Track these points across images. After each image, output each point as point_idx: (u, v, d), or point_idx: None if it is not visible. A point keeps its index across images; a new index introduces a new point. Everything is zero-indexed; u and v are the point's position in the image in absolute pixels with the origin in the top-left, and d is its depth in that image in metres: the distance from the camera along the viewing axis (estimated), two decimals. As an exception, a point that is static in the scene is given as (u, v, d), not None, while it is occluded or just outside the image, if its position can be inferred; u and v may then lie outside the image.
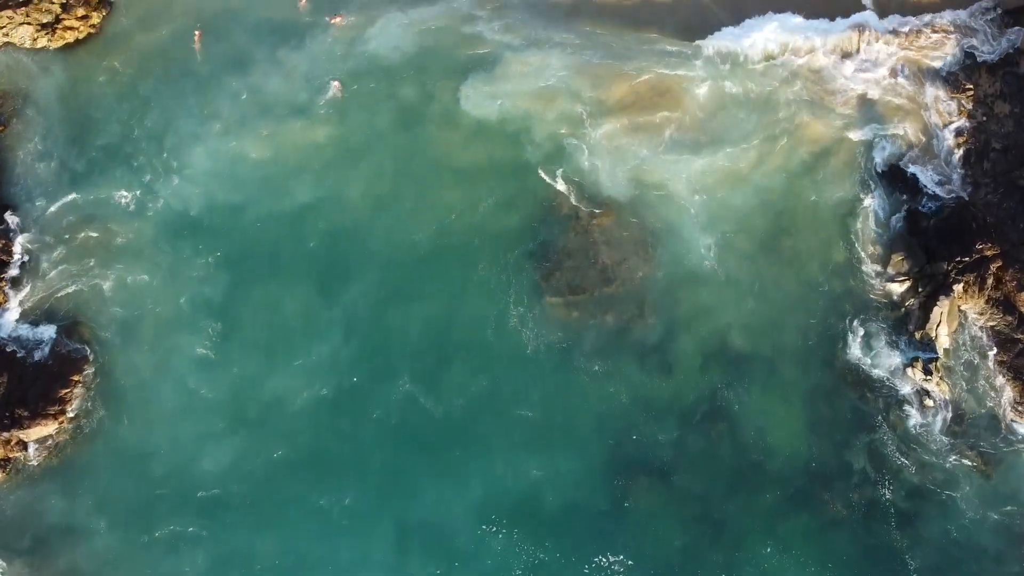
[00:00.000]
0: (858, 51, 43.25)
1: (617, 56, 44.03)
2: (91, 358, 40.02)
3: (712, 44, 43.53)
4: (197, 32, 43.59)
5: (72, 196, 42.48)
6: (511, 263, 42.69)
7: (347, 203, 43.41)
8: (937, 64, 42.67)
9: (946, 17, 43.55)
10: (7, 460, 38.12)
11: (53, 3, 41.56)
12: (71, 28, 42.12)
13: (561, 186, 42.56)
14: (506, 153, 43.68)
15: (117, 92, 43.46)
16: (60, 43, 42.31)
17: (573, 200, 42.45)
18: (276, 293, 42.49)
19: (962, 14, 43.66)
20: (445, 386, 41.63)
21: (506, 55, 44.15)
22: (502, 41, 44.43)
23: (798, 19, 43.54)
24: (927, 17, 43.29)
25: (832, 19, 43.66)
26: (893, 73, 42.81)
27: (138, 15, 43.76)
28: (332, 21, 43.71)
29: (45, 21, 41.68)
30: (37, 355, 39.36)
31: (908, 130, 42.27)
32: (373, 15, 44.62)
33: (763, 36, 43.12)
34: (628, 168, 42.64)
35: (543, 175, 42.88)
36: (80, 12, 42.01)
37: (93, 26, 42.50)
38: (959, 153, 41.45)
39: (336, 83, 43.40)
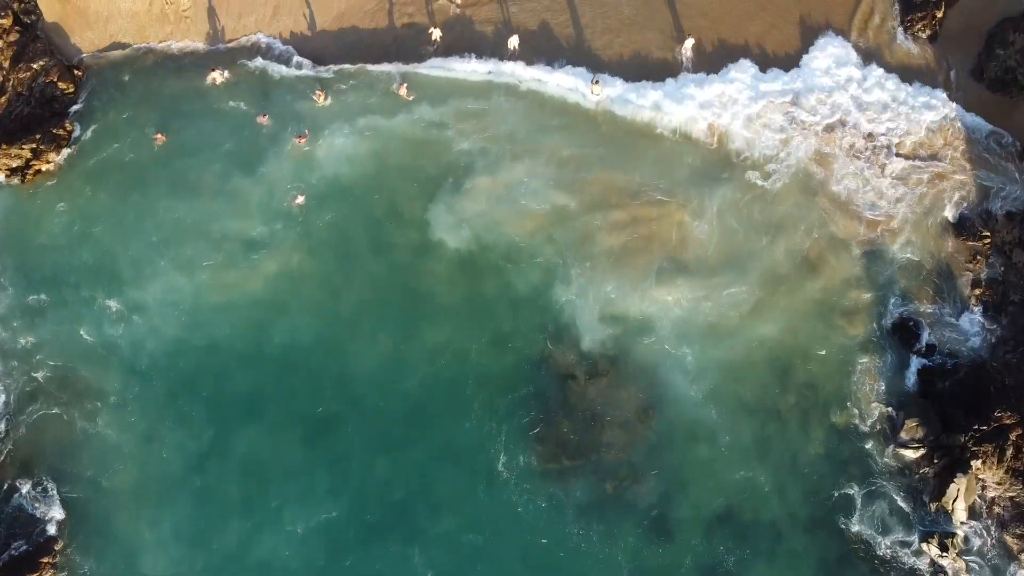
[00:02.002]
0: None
1: (608, 166, 42.00)
2: (61, 529, 37.74)
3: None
4: (159, 136, 41.70)
5: (31, 338, 40.42)
6: (504, 413, 40.56)
7: (326, 343, 41.14)
8: (950, 211, 40.57)
9: (958, 152, 41.60)
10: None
11: (23, 149, 39.61)
12: (42, 171, 40.13)
13: (552, 342, 40.54)
14: (492, 287, 41.47)
15: (77, 228, 41.32)
16: (31, 186, 40.32)
17: (566, 357, 40.36)
18: (255, 446, 40.26)
19: (977, 147, 41.73)
20: (436, 545, 39.47)
21: (477, 167, 42.05)
22: (471, 150, 42.30)
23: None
24: (940, 164, 41.33)
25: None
26: (905, 219, 40.82)
27: (102, 152, 41.84)
28: (297, 140, 41.52)
29: (15, 166, 39.81)
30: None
31: (921, 280, 40.13)
32: (335, 131, 42.42)
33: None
34: (621, 317, 40.64)
35: (533, 328, 40.92)
36: (51, 156, 40.06)
37: (59, 165, 40.54)
38: (975, 306, 39.31)
39: (301, 197, 41.32)
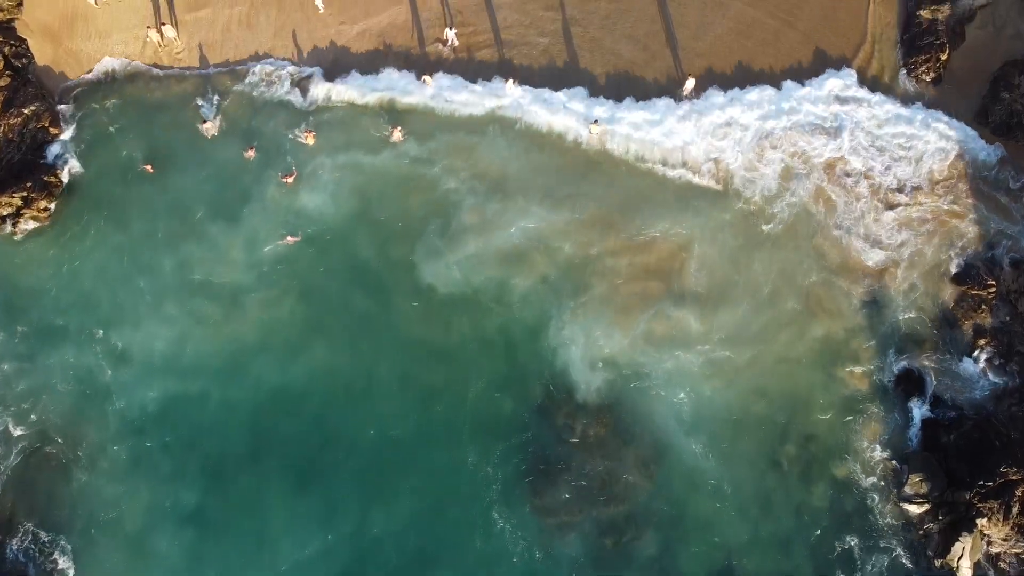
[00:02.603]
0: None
1: (605, 205, 41.27)
2: (50, 585, 37.25)
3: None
4: (147, 167, 41.05)
5: (18, 385, 39.81)
6: (500, 461, 39.95)
7: (318, 388, 40.39)
8: (954, 258, 39.93)
9: (962, 196, 40.96)
10: None
11: (14, 197, 39.01)
12: (32, 220, 39.57)
13: (548, 387, 39.94)
14: (486, 330, 40.69)
15: (65, 276, 40.69)
16: (21, 235, 39.74)
17: (563, 403, 39.77)
18: (244, 496, 39.54)
19: (983, 191, 41.08)
20: (432, 597, 39.04)
21: (465, 204, 41.31)
22: (460, 188, 41.58)
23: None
24: (943, 208, 40.67)
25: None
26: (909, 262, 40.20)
27: (94, 199, 41.18)
28: (284, 179, 40.84)
29: (5, 214, 39.17)
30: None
31: (925, 329, 39.49)
32: (322, 171, 41.63)
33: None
34: (615, 363, 39.95)
35: (529, 373, 40.26)
36: (42, 204, 39.47)
37: (51, 213, 39.99)
38: (981, 357, 38.65)
39: (291, 238, 40.70)
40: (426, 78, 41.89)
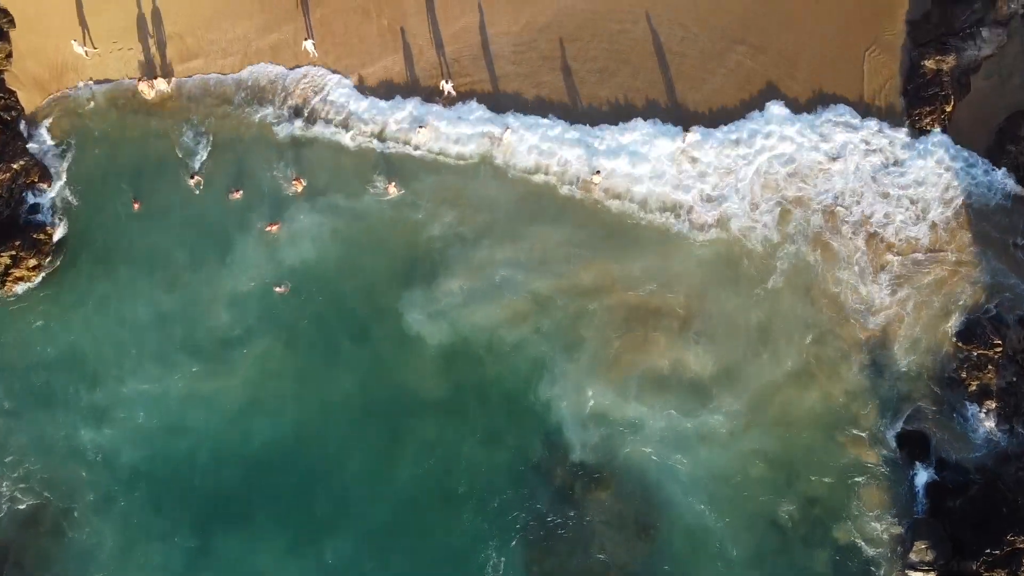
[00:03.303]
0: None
1: (598, 257, 40.51)
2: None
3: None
4: (136, 203, 40.61)
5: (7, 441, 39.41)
6: (497, 515, 39.37)
7: (312, 442, 39.93)
8: (958, 315, 39.17)
9: (967, 249, 40.17)
10: None
11: (2, 256, 38.40)
12: (21, 279, 38.93)
13: (542, 442, 39.38)
14: (478, 382, 40.03)
15: (52, 337, 40.21)
16: (9, 293, 39.12)
17: (558, 459, 39.23)
18: (236, 552, 39.19)
19: (988, 245, 40.25)
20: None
21: (451, 253, 40.64)
22: (446, 236, 40.88)
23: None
24: (947, 261, 39.89)
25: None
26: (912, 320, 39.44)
27: (85, 259, 40.66)
28: (268, 229, 40.33)
29: (-7, 273, 38.66)
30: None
31: (928, 389, 38.72)
32: (309, 220, 41.04)
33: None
34: (609, 419, 39.33)
35: (523, 426, 39.73)
36: (32, 262, 38.87)
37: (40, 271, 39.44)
38: (987, 419, 37.89)
39: (281, 287, 40.20)
40: (420, 128, 41.26)
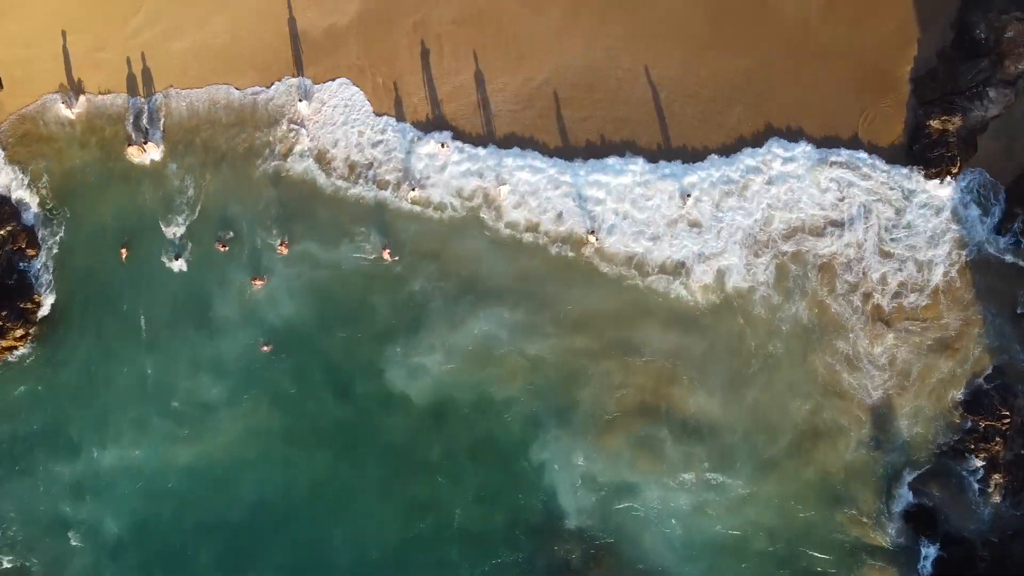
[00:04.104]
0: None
1: (591, 317, 39.64)
2: None
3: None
4: (124, 249, 39.92)
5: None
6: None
7: (301, 505, 39.20)
8: (964, 384, 38.34)
9: (972, 314, 39.29)
10: None
11: (-10, 329, 37.82)
12: (9, 348, 38.28)
13: (535, 504, 38.67)
14: (471, 439, 39.28)
15: (37, 402, 39.48)
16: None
17: (552, 523, 38.56)
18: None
19: (995, 311, 39.37)
20: None
21: (431, 307, 39.81)
22: (426, 291, 40.04)
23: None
24: (952, 326, 39.03)
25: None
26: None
27: (70, 322, 39.92)
28: (254, 284, 39.73)
29: (-21, 344, 37.94)
30: None
31: (933, 461, 37.91)
32: (291, 273, 40.34)
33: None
34: (602, 484, 38.59)
35: (514, 488, 39.05)
36: (18, 332, 38.19)
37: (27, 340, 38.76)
38: (994, 493, 37.07)
39: (267, 346, 39.60)
40: (412, 193, 40.50)
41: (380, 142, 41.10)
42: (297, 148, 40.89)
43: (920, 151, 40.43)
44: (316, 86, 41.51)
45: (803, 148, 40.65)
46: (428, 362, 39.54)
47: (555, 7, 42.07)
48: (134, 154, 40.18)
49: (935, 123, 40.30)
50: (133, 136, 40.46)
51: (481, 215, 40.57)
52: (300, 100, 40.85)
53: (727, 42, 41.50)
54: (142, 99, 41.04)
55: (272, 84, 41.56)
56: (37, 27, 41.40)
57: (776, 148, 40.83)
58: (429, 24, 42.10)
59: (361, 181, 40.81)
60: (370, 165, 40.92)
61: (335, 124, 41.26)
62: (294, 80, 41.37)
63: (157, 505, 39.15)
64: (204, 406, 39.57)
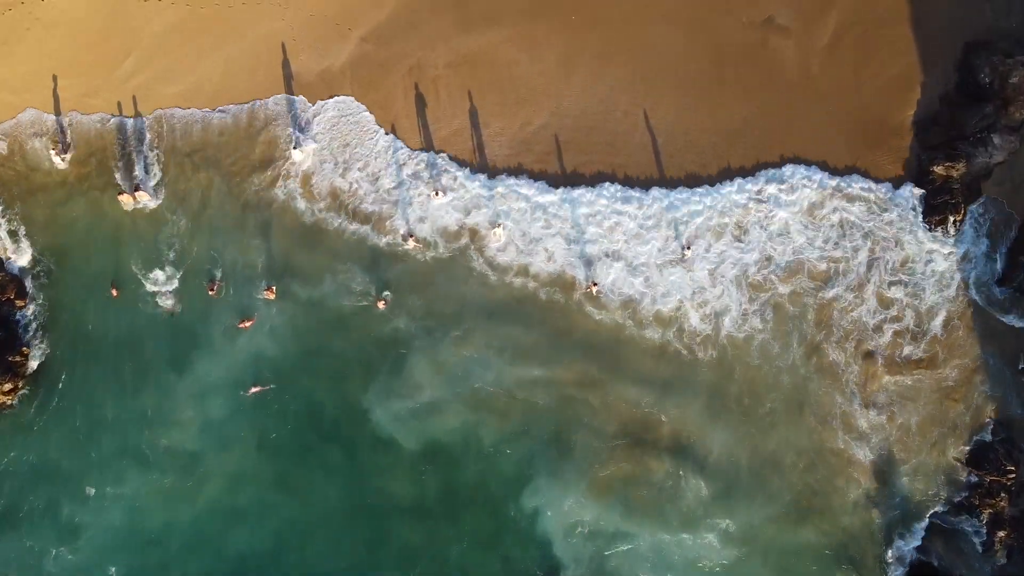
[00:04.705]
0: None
1: (586, 362, 39.12)
2: None
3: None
4: (114, 290, 39.48)
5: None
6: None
7: (293, 553, 38.70)
8: (965, 437, 37.69)
9: (972, 362, 38.60)
10: None
11: (-25, 385, 37.17)
12: (-2, 403, 37.70)
13: (531, 553, 38.23)
14: (461, 485, 38.79)
15: (24, 449, 38.97)
16: (-14, 419, 37.85)
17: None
18: None
19: (999, 361, 38.71)
20: None
21: (415, 346, 39.23)
22: (408, 329, 39.49)
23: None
24: (953, 374, 38.40)
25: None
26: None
27: (59, 373, 39.43)
28: (240, 326, 39.30)
29: (-34, 398, 37.28)
30: None
31: (936, 518, 37.27)
32: (275, 314, 39.86)
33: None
34: (596, 534, 38.27)
35: (508, 533, 38.67)
36: (7, 386, 37.66)
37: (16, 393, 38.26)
38: (1000, 552, 36.37)
39: (255, 387, 39.26)
40: (411, 240, 39.92)
41: (375, 185, 40.46)
42: (289, 190, 40.27)
43: (924, 198, 39.75)
44: (309, 133, 40.86)
45: (803, 192, 39.94)
46: (396, 403, 39.21)
47: (552, 51, 41.44)
48: (125, 202, 39.58)
49: (938, 169, 39.62)
50: (124, 185, 39.82)
51: (471, 255, 40.02)
52: (294, 147, 40.23)
53: (728, 88, 40.88)
54: (133, 143, 40.44)
55: (265, 128, 40.94)
56: (26, 72, 40.82)
57: (774, 188, 40.15)
58: (424, 68, 41.49)
59: (356, 223, 40.20)
60: (365, 210, 40.28)
61: (329, 167, 40.63)
62: (287, 126, 40.72)
63: (145, 551, 38.73)
64: (190, 452, 39.18)
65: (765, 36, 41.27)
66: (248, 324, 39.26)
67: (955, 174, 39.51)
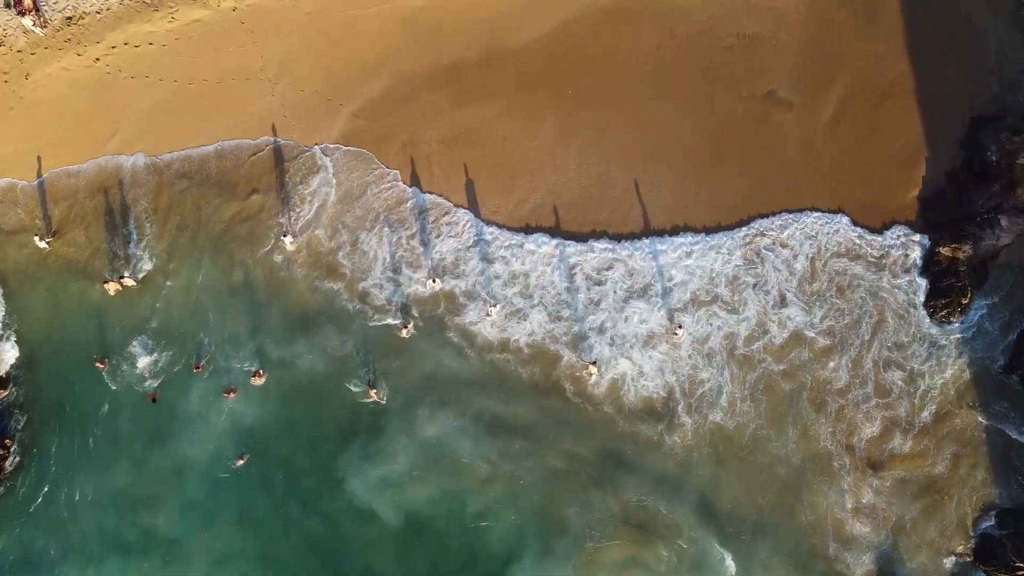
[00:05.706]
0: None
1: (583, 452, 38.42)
2: None
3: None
4: (99, 363, 38.72)
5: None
6: None
7: None
8: (971, 530, 36.76)
9: (979, 453, 37.66)
10: None
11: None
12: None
13: None
14: (446, 559, 38.00)
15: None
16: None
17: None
18: None
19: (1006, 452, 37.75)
20: None
21: (391, 410, 38.51)
22: (382, 393, 38.82)
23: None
24: (957, 468, 37.50)
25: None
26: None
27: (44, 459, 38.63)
28: (226, 395, 38.62)
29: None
30: None
31: (947, 615, 36.42)
32: (256, 386, 39.06)
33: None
34: None
35: None
36: (-10, 478, 36.68)
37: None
38: (1009, 652, 35.47)
39: (242, 460, 38.56)
40: (405, 327, 39.06)
41: (367, 268, 39.56)
42: (277, 273, 39.40)
43: (930, 280, 38.77)
44: (300, 223, 39.98)
45: (801, 263, 39.11)
46: (371, 474, 38.58)
47: (548, 126, 40.50)
48: (112, 289, 38.63)
49: (945, 251, 38.66)
50: (108, 275, 38.94)
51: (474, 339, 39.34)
52: (284, 236, 39.23)
53: (728, 162, 39.95)
54: (120, 228, 39.52)
55: (257, 212, 39.96)
56: (10, 153, 39.88)
57: (774, 262, 39.35)
58: (418, 144, 40.57)
59: (351, 304, 39.36)
60: (359, 292, 39.40)
61: (321, 251, 39.72)
62: (280, 217, 39.76)
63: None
64: (174, 530, 38.50)
65: (767, 110, 40.32)
66: (232, 394, 38.53)
67: (961, 256, 38.54)
